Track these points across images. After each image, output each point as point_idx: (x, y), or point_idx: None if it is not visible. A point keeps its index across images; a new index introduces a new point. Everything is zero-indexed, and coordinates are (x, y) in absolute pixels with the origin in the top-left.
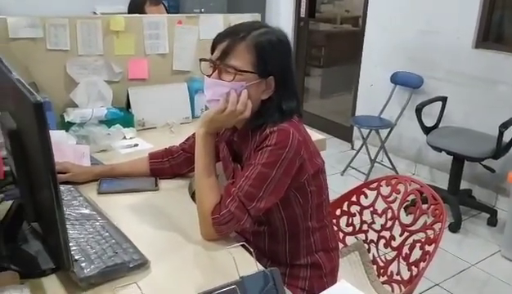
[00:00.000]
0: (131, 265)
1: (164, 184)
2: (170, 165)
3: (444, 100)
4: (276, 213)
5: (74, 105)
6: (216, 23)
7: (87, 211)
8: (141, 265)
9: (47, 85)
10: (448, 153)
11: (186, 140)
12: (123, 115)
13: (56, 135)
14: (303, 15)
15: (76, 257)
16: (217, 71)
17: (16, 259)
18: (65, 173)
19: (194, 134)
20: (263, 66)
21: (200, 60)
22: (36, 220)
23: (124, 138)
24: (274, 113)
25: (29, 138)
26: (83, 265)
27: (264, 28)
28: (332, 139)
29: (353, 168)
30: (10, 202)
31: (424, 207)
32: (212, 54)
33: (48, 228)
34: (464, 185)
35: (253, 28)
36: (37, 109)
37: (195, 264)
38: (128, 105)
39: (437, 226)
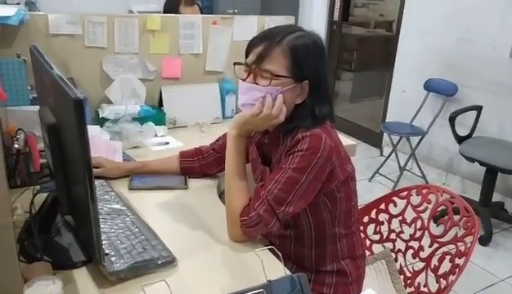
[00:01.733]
0: (159, 262)
1: (193, 183)
2: (200, 164)
3: (479, 109)
4: (304, 218)
5: (109, 101)
6: (250, 24)
7: (118, 207)
8: (169, 262)
9: (84, 81)
10: (481, 163)
11: (216, 141)
12: (155, 113)
13: (91, 131)
14: (336, 18)
15: (106, 251)
16: (252, 75)
17: (49, 250)
18: (97, 168)
19: (224, 134)
20: (299, 71)
21: (235, 63)
22: (69, 213)
23: (156, 135)
24: (306, 118)
25: (68, 133)
26: (112, 259)
27: (300, 32)
28: (361, 144)
29: (381, 175)
30: (45, 195)
31: (456, 218)
32: (246, 57)
33: (81, 221)
34: (496, 198)
35: (288, 32)
36: (77, 105)
37: (222, 264)
38: (161, 103)
39: (468, 239)
